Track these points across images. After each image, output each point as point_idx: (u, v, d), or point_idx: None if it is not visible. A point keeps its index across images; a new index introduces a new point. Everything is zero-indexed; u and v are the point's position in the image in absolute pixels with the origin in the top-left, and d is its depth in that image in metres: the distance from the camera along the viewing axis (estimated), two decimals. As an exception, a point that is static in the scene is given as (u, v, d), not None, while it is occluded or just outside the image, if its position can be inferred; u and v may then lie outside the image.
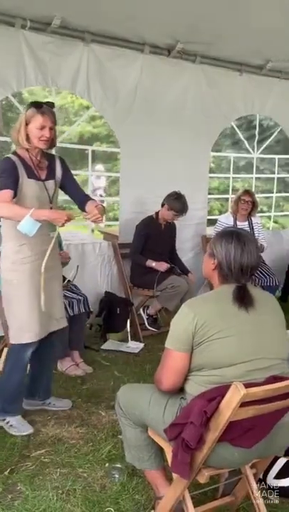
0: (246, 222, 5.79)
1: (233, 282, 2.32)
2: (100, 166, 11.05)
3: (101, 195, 11.10)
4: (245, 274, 2.32)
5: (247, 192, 5.81)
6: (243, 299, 2.27)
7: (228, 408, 2.01)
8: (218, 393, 2.07)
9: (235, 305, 2.25)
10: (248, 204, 5.73)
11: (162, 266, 5.17)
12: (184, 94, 5.84)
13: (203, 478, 2.21)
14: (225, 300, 2.27)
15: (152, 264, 5.18)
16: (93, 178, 10.54)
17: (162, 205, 5.29)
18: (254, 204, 5.78)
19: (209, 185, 7.51)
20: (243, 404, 2.01)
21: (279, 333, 2.35)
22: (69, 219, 3.07)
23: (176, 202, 5.19)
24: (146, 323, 5.41)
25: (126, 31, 5.18)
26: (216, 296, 2.34)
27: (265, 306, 2.34)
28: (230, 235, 2.37)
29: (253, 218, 5.86)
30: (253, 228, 5.82)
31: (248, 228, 5.73)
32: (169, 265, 5.20)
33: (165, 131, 5.68)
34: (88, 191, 5.53)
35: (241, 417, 2.06)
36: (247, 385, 2.01)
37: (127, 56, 5.36)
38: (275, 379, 2.18)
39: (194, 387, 2.24)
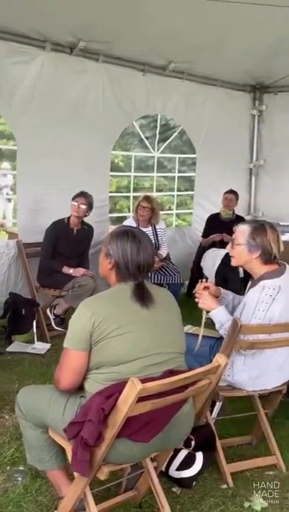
0: (149, 228, 5.87)
1: (130, 280, 2.35)
2: (6, 164, 10.78)
3: (8, 194, 10.87)
4: (142, 272, 2.36)
5: (146, 198, 5.85)
6: (143, 297, 2.31)
7: (125, 404, 2.04)
8: (116, 390, 2.10)
9: (135, 303, 2.28)
10: (145, 210, 5.79)
11: (79, 271, 5.14)
12: (85, 93, 5.82)
13: (103, 474, 2.22)
14: (123, 298, 2.30)
15: (70, 271, 5.15)
16: (-1, 177, 10.31)
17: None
18: (153, 211, 5.83)
19: (118, 184, 7.56)
20: (140, 399, 2.05)
21: (175, 327, 2.41)
22: None
23: (77, 194, 5.22)
24: (53, 324, 5.35)
25: (27, 28, 5.10)
26: (113, 295, 2.36)
27: (162, 302, 2.39)
28: (125, 234, 2.39)
29: (156, 225, 5.94)
30: (156, 234, 5.91)
31: (151, 234, 5.81)
32: (85, 270, 5.18)
33: (66, 129, 5.65)
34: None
35: (138, 412, 2.10)
36: (143, 380, 2.05)
37: (27, 53, 5.27)
38: (171, 373, 2.24)
39: (93, 385, 2.25)
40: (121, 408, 2.05)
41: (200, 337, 3.08)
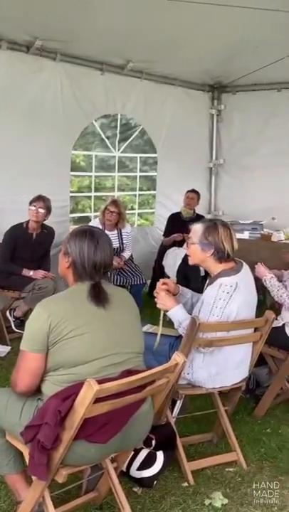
0: (115, 232, 5.85)
1: (87, 280, 2.33)
2: None
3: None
4: (98, 271, 2.33)
5: (113, 203, 5.82)
6: (99, 296, 2.28)
7: (82, 405, 2.02)
8: (73, 391, 2.08)
9: (91, 303, 2.26)
10: (112, 215, 5.76)
11: (39, 274, 5.08)
12: (43, 92, 5.76)
13: (61, 477, 2.20)
14: (79, 298, 2.28)
15: (30, 273, 5.08)
16: None
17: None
18: (120, 215, 5.82)
19: (80, 184, 7.50)
20: (98, 400, 2.03)
21: (133, 327, 2.40)
22: None
23: (34, 199, 5.15)
24: (13, 326, 5.27)
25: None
26: (70, 295, 2.34)
27: (119, 302, 2.38)
28: (84, 233, 2.37)
29: (122, 229, 5.93)
30: (122, 238, 5.90)
31: (116, 238, 5.80)
32: (45, 272, 5.12)
33: (24, 129, 5.58)
34: None
35: (96, 413, 2.08)
36: (101, 381, 2.03)
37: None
38: (129, 373, 2.23)
39: (51, 388, 2.22)
40: (78, 410, 2.03)
41: (158, 335, 3.08)
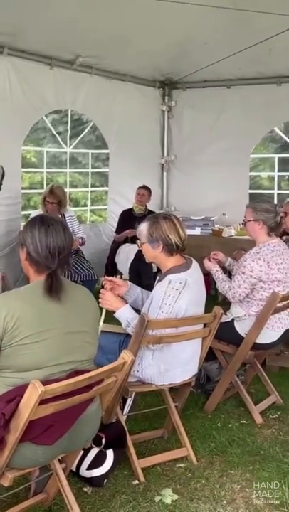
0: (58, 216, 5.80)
1: (44, 269, 2.26)
2: None
3: None
4: (54, 257, 2.25)
5: (50, 193, 5.78)
6: (52, 287, 2.20)
7: (27, 408, 1.98)
8: (17, 393, 2.04)
9: (48, 301, 2.19)
10: (52, 205, 5.74)
11: None
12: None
13: (7, 481, 2.16)
14: (36, 296, 2.21)
15: None
16: None
17: None
18: (60, 203, 5.79)
19: (31, 180, 7.38)
20: (43, 401, 2.00)
21: (89, 332, 2.34)
22: None
23: None
24: None
25: None
26: (28, 291, 2.27)
27: (79, 303, 2.34)
28: (35, 219, 2.35)
29: (65, 213, 5.89)
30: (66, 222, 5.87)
31: (61, 223, 5.74)
32: None
33: None
34: None
35: (42, 415, 2.05)
36: (46, 382, 2.00)
37: None
38: (76, 373, 2.20)
39: (-3, 390, 2.17)
40: (23, 412, 2.00)
41: (99, 332, 3.06)
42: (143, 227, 3.07)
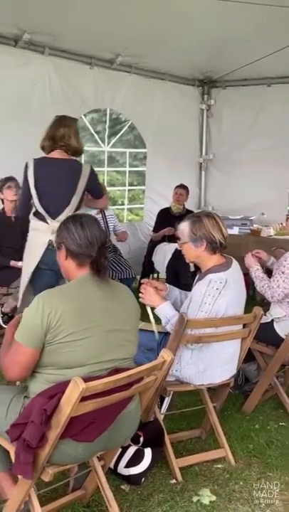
0: (100, 215, 5.82)
1: (86, 259, 2.29)
2: None
3: None
4: (93, 244, 2.29)
5: None
6: (98, 269, 2.27)
7: (68, 404, 2.00)
8: (59, 390, 2.06)
9: (92, 299, 2.23)
10: None
11: None
12: (31, 86, 5.70)
13: (47, 476, 2.18)
14: (80, 292, 2.25)
15: (18, 264, 5.02)
16: None
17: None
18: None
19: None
20: (84, 398, 2.01)
21: (131, 332, 2.36)
22: None
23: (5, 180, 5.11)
24: (0, 322, 5.24)
25: None
26: (71, 289, 2.31)
27: (118, 298, 2.36)
28: (67, 220, 2.41)
29: (105, 211, 5.91)
30: (106, 221, 5.89)
31: (102, 220, 5.77)
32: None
33: (10, 124, 5.49)
34: None
35: (82, 411, 2.06)
36: (87, 379, 2.01)
37: None
38: (116, 371, 2.21)
39: (38, 386, 2.20)
40: (64, 408, 2.01)
41: (156, 332, 3.08)
42: (184, 227, 3.04)
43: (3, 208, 5.18)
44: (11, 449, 2.25)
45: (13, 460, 2.23)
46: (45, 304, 2.16)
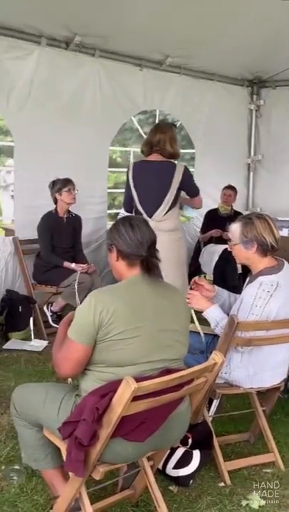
0: None
1: (136, 258, 2.32)
2: (11, 161, 10.53)
3: (13, 191, 10.71)
4: (143, 244, 2.32)
5: None
6: (148, 267, 2.30)
7: (120, 403, 2.01)
8: (110, 389, 2.07)
9: (143, 297, 2.26)
10: None
11: (80, 267, 5.08)
12: (82, 88, 5.76)
13: (98, 474, 2.20)
14: (132, 290, 2.28)
15: (71, 266, 5.11)
16: (4, 174, 10.04)
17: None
18: None
19: (117, 180, 7.48)
20: (135, 398, 2.02)
21: (182, 333, 2.37)
22: None
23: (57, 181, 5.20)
24: (50, 321, 5.32)
25: (22, 23, 5.04)
26: (123, 287, 2.33)
27: (169, 298, 2.37)
28: (118, 221, 2.45)
29: None
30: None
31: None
32: (86, 265, 5.14)
33: (63, 124, 5.58)
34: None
35: (133, 411, 2.07)
36: (139, 379, 2.02)
37: (22, 48, 5.20)
38: (168, 372, 2.21)
39: (89, 384, 2.22)
40: (115, 407, 2.03)
41: (202, 335, 3.07)
42: (235, 228, 3.01)
43: (56, 208, 5.26)
44: (63, 446, 2.29)
45: (64, 457, 2.27)
46: (97, 302, 2.19)
